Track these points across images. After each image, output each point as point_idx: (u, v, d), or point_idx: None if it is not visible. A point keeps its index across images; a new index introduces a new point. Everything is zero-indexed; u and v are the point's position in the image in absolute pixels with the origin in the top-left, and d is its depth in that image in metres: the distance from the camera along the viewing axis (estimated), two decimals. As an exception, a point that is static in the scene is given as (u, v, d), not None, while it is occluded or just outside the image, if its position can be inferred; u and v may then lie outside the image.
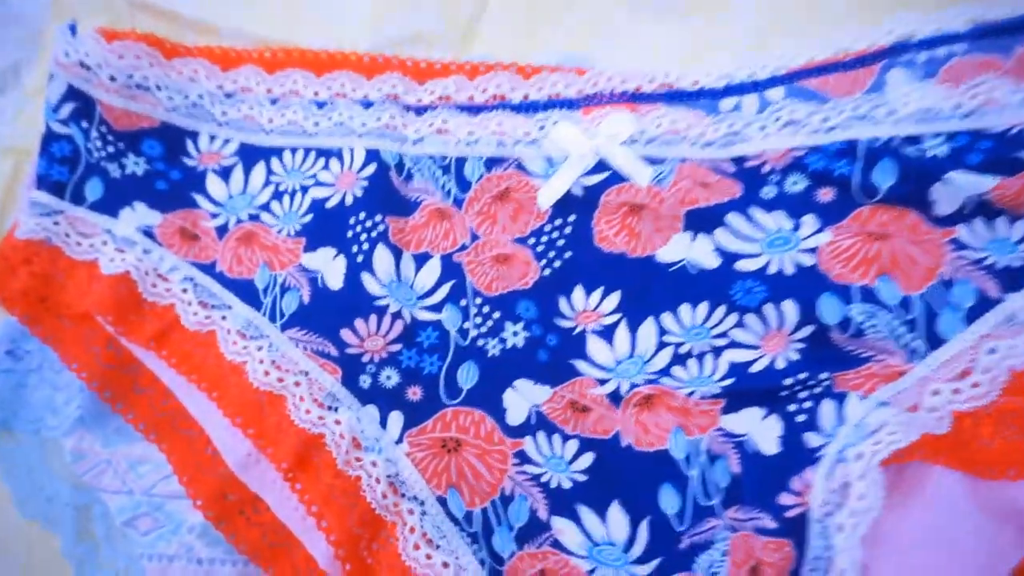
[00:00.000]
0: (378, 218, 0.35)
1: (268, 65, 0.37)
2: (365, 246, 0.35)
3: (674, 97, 0.35)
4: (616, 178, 0.34)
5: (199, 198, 0.37)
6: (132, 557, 0.35)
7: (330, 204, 0.35)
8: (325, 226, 0.35)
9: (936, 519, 0.29)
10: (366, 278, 0.35)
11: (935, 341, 0.30)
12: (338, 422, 0.33)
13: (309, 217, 0.36)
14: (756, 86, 0.34)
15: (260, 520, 0.33)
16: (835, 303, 0.31)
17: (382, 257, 0.35)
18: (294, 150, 0.37)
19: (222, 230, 0.36)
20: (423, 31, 0.39)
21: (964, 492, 0.29)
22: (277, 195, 0.36)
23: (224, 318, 0.35)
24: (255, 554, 0.34)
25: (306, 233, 0.35)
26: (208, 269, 0.35)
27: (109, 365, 0.35)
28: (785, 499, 0.30)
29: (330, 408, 0.34)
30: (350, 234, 0.35)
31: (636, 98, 0.35)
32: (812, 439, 0.30)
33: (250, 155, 0.37)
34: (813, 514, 0.29)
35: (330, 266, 0.35)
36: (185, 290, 0.35)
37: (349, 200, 0.35)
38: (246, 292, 0.35)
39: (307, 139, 0.36)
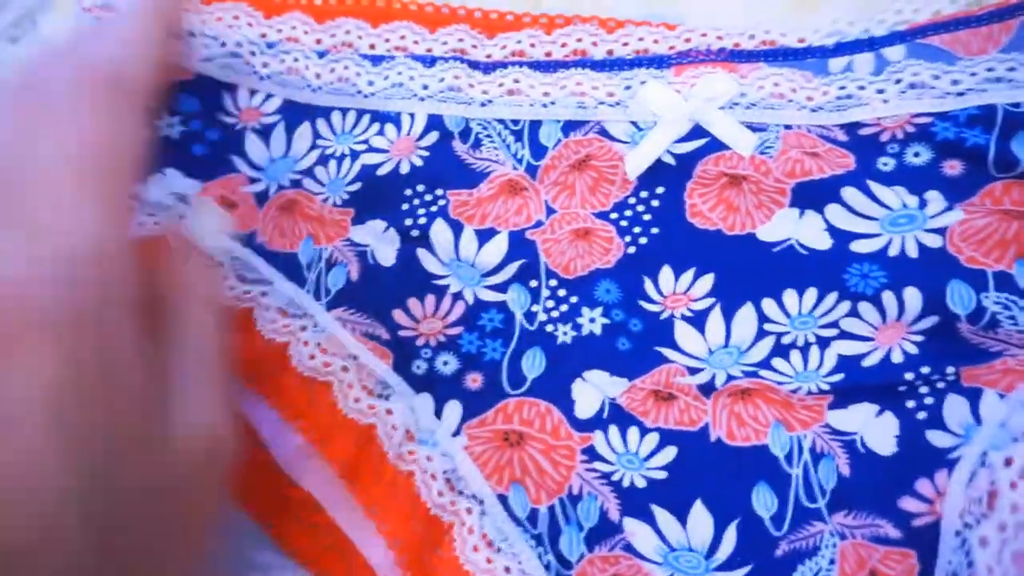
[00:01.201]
0: (439, 192, 0.31)
1: (317, 13, 0.33)
2: (422, 220, 0.31)
3: (778, 55, 0.31)
4: (713, 146, 0.30)
5: (238, 161, 0.33)
6: None
7: (382, 171, 0.32)
8: (376, 196, 0.31)
9: None
10: (422, 255, 0.31)
11: None
12: (390, 412, 0.30)
13: (358, 185, 0.32)
14: (872, 43, 0.30)
15: (315, 522, 0.30)
16: (966, 290, 0.28)
17: (441, 232, 0.31)
18: (344, 111, 0.33)
19: (262, 197, 0.32)
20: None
21: None
22: (323, 160, 0.32)
23: (264, 295, 0.31)
24: (308, 560, 0.30)
25: (354, 203, 0.32)
26: (247, 240, 0.32)
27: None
28: (909, 505, 0.27)
29: (381, 396, 0.30)
30: (405, 206, 0.31)
31: (735, 56, 0.31)
32: (938, 439, 0.27)
33: (294, 114, 0.33)
34: (948, 525, 0.26)
35: (381, 240, 0.31)
36: (222, 263, 0.31)
37: (405, 168, 0.31)
38: (288, 266, 0.31)
39: (360, 100, 0.32)
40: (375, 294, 0.31)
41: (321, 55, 0.33)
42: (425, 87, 0.32)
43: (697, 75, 0.31)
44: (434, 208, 0.31)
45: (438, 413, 0.30)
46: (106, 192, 0.23)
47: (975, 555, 0.25)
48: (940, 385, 0.28)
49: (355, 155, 0.32)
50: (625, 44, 0.32)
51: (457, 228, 0.31)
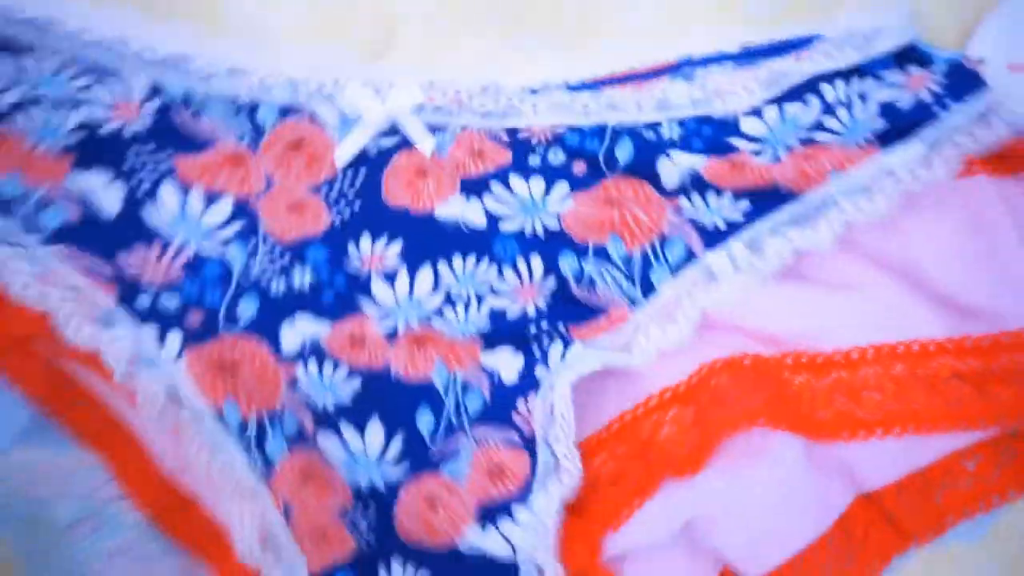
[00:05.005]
0: (168, 153, 0.37)
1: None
2: (150, 178, 0.37)
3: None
4: (407, 142, 0.39)
5: None
6: (78, 559, 0.37)
7: (105, 130, 0.37)
8: (100, 150, 0.36)
9: (776, 477, 0.36)
10: (149, 210, 0.37)
11: (648, 290, 0.37)
12: (114, 340, 0.34)
13: (79, 135, 0.36)
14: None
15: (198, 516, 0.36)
16: (572, 259, 0.38)
17: (168, 192, 0.37)
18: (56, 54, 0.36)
19: None
20: None
21: (801, 453, 0.36)
22: (33, 101, 0.36)
23: None
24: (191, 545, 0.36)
25: (75, 151, 0.36)
26: None
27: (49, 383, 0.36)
28: (518, 419, 0.37)
29: (106, 325, 0.35)
30: (131, 165, 0.37)
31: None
32: (540, 372, 0.37)
33: None
34: (538, 430, 0.36)
35: (106, 190, 0.36)
36: None
37: (131, 130, 0.37)
38: None
39: (81, 48, 0.37)
40: (99, 238, 0.36)
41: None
42: (152, 50, 0.37)
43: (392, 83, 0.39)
44: (163, 167, 0.37)
45: (161, 341, 0.36)
46: None
47: (555, 448, 0.35)
48: (555, 336, 0.37)
49: (75, 104, 0.36)
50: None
51: (184, 190, 0.37)
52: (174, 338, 0.36)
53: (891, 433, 0.37)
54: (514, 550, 0.35)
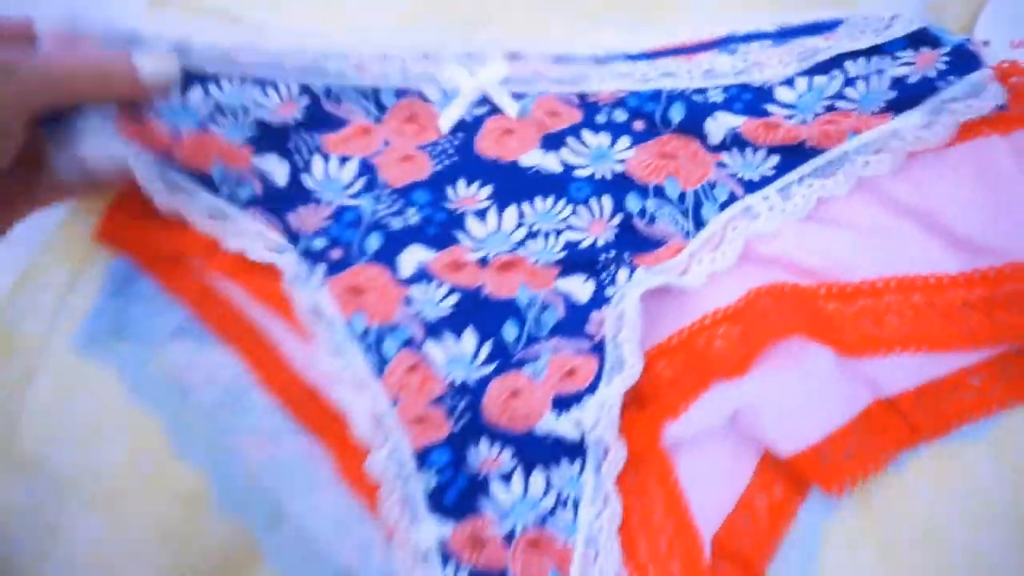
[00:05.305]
0: (315, 134, 0.46)
1: None
2: (305, 154, 0.46)
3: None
4: (496, 109, 0.47)
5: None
6: (220, 434, 0.44)
7: (274, 124, 0.46)
8: (272, 138, 0.46)
9: (809, 376, 0.42)
10: (305, 178, 0.46)
11: (699, 224, 0.44)
12: (283, 261, 0.44)
13: (258, 129, 0.46)
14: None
15: (321, 404, 0.44)
16: (636, 198, 0.45)
17: (317, 163, 0.46)
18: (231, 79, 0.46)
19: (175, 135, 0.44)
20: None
21: (831, 361, 0.42)
22: (219, 110, 0.45)
23: (190, 199, 0.44)
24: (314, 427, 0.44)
25: (254, 142, 0.46)
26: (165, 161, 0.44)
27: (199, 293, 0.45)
28: (589, 328, 0.43)
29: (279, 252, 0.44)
30: (293, 145, 0.46)
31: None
32: (609, 292, 0.44)
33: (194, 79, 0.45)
34: (607, 335, 0.43)
35: (277, 168, 0.46)
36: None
37: (291, 120, 0.46)
38: (204, 183, 0.45)
39: (249, 69, 0.46)
40: (274, 203, 0.45)
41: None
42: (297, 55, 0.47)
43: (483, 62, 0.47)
44: (313, 144, 0.46)
45: (311, 270, 0.44)
46: None
47: (622, 350, 0.42)
48: (622, 263, 0.44)
49: (250, 108, 0.46)
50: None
51: (327, 158, 0.46)
52: (320, 269, 0.44)
53: (908, 351, 0.43)
54: (583, 433, 0.42)
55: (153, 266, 0.45)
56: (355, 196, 0.46)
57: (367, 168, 0.46)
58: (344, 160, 0.46)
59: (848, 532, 0.42)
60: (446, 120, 0.47)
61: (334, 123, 0.47)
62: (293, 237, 0.45)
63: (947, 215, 0.44)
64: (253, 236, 0.45)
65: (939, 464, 0.42)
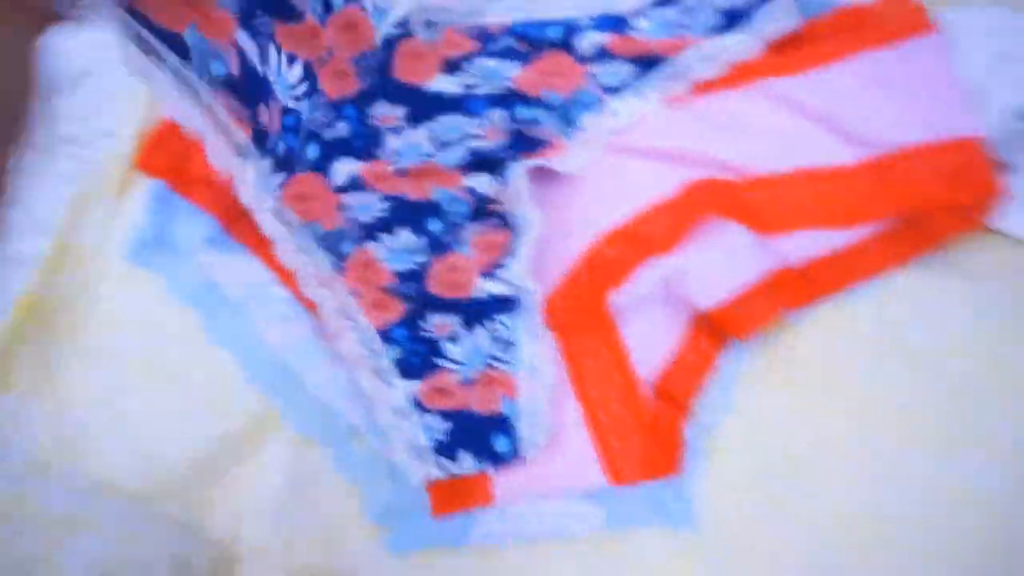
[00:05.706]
0: (271, 19, 0.49)
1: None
2: (262, 40, 0.49)
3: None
4: (409, 32, 0.53)
5: None
6: (248, 321, 0.53)
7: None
8: (249, 15, 0.48)
9: (729, 244, 0.50)
10: (265, 68, 0.49)
11: (574, 125, 0.53)
12: (244, 168, 0.48)
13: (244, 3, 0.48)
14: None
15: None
16: (523, 108, 0.53)
17: (272, 53, 0.50)
18: None
19: None
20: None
21: (747, 239, 0.50)
22: None
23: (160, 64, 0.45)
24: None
25: (239, 14, 0.48)
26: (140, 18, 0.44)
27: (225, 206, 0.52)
28: (494, 208, 0.52)
29: (240, 156, 0.48)
30: (256, 28, 0.49)
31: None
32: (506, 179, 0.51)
33: None
34: (509, 208, 0.51)
35: (250, 48, 0.48)
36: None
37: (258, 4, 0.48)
38: (173, 44, 0.45)
39: None
40: (248, 90, 0.48)
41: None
42: None
43: None
44: (268, 31, 0.49)
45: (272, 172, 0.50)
46: None
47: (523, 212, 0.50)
48: (514, 159, 0.51)
49: None
50: None
51: (278, 50, 0.50)
52: (278, 177, 0.50)
53: (811, 227, 0.51)
54: (515, 288, 0.50)
55: (186, 188, 0.54)
56: (297, 99, 0.51)
57: (310, 73, 0.52)
58: (292, 60, 0.51)
59: (758, 373, 0.51)
60: (378, 35, 0.52)
61: (287, 11, 0.49)
62: (262, 134, 0.48)
63: (844, 116, 0.52)
64: (215, 125, 0.47)
65: (831, 315, 0.51)
